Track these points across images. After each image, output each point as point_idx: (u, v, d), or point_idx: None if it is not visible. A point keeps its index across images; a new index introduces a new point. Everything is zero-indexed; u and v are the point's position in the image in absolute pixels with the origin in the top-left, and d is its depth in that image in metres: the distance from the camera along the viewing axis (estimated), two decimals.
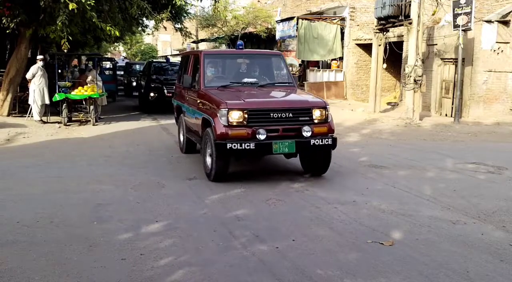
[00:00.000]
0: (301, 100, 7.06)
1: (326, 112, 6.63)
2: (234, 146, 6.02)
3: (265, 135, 6.11)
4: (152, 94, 15.70)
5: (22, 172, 7.07)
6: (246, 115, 6.16)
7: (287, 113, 6.33)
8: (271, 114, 6.28)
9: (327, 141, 6.44)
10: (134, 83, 22.20)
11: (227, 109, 6.15)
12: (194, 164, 7.81)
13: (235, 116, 6.15)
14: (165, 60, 20.30)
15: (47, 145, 9.62)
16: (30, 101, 12.48)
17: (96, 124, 12.66)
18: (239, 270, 3.78)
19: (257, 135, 6.10)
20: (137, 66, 26.49)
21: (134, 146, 9.66)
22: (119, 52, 57.45)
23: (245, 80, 7.51)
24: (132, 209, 5.35)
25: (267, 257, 4.05)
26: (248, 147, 6.03)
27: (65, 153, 8.77)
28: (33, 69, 12.40)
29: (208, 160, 6.60)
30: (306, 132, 6.33)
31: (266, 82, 7.75)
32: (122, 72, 26.91)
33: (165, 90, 15.27)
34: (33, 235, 4.45)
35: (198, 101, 7.20)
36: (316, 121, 6.50)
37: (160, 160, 8.16)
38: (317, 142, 6.35)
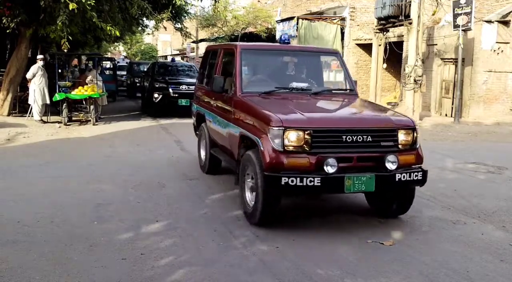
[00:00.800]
0: (383, 118, 5.15)
1: (415, 135, 4.92)
2: (292, 181, 4.29)
3: (335, 167, 4.37)
4: (156, 95, 14.57)
5: (22, 172, 7.08)
6: (309, 138, 4.44)
7: (365, 136, 4.58)
8: (344, 136, 4.53)
9: (416, 176, 4.73)
10: (139, 84, 21.16)
11: (282, 128, 4.42)
12: (194, 164, 7.81)
13: (294, 138, 4.43)
14: (170, 60, 19.66)
15: (48, 145, 9.62)
16: (31, 101, 12.48)
17: (96, 124, 12.66)
18: (239, 270, 3.78)
19: (324, 167, 4.37)
20: (141, 66, 25.29)
21: (134, 146, 9.67)
22: (119, 52, 57.44)
23: (294, 85, 5.79)
24: (132, 208, 5.35)
25: (268, 257, 4.05)
26: (312, 183, 4.31)
27: (65, 153, 8.77)
28: (33, 69, 12.39)
29: (249, 195, 4.94)
30: (391, 163, 4.57)
31: (319, 88, 6.14)
32: (124, 72, 26.36)
33: (171, 91, 14.45)
34: (34, 235, 4.45)
35: (233, 111, 5.52)
36: (401, 147, 4.77)
37: (160, 160, 8.15)
38: (404, 176, 4.63)
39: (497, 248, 4.37)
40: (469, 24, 13.49)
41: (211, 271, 3.75)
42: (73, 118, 13.00)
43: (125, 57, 50.16)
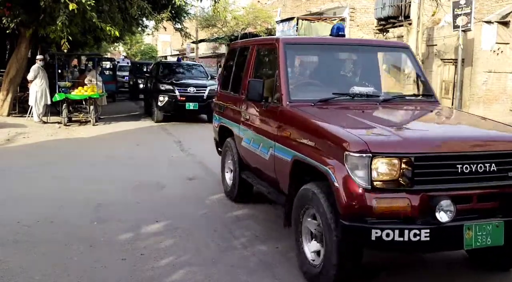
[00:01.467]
0: (509, 136, 3.60)
1: None
2: (388, 235, 2.97)
3: (451, 212, 3.02)
4: (161, 98, 13.05)
5: (22, 172, 7.07)
6: (409, 168, 3.06)
7: (487, 164, 3.18)
8: (460, 165, 3.14)
9: None
10: (142, 85, 20.07)
11: (368, 154, 3.03)
12: (193, 164, 7.81)
13: (386, 168, 3.05)
14: (176, 60, 18.10)
15: (47, 145, 9.62)
16: (31, 102, 12.46)
17: (96, 125, 12.66)
18: (240, 270, 3.78)
19: (436, 213, 3.01)
20: (145, 67, 24.08)
21: (134, 146, 9.67)
22: (119, 52, 57.46)
23: (357, 89, 4.44)
24: (132, 209, 5.35)
25: (268, 257, 4.05)
26: (417, 238, 2.96)
27: (65, 153, 8.77)
28: (34, 69, 12.38)
29: (310, 246, 3.61)
30: None
31: (388, 94, 4.94)
32: (125, 73, 25.65)
33: (177, 93, 13.06)
34: (34, 235, 4.45)
35: (279, 126, 4.14)
36: None
37: (160, 160, 8.15)
38: None
39: None
40: (469, 25, 13.49)
41: (211, 271, 3.75)
42: (73, 118, 13.00)
43: (125, 57, 49.94)
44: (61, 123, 12.35)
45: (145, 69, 22.42)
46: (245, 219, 5.03)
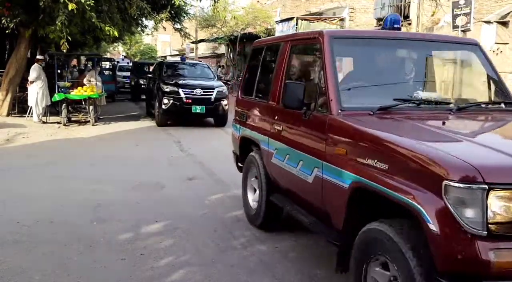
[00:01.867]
0: None
1: None
2: None
3: None
4: (165, 100, 12.12)
5: (22, 172, 7.07)
6: None
7: None
8: None
9: None
10: (144, 85, 19.26)
11: (483, 185, 2.13)
12: (193, 164, 7.81)
13: (509, 206, 2.15)
14: (180, 59, 16.38)
15: (47, 145, 9.62)
16: (31, 103, 12.45)
17: (96, 125, 12.66)
18: (239, 270, 3.78)
19: None
20: (147, 67, 23.15)
21: (134, 146, 9.67)
22: (118, 52, 57.47)
23: (422, 95, 3.74)
24: (132, 209, 5.35)
25: (267, 257, 4.05)
26: None
27: (65, 153, 8.77)
28: (36, 70, 12.39)
29: None
30: None
31: (463, 102, 4.22)
32: (125, 73, 25.02)
33: (183, 95, 12.18)
34: (33, 235, 4.45)
35: (329, 140, 3.26)
36: None
37: (159, 160, 8.15)
38: None
39: None
40: (468, 25, 13.51)
41: (211, 271, 3.75)
42: (73, 118, 13.00)
43: (125, 57, 49.74)
44: (61, 123, 12.35)
45: (146, 69, 21.99)
46: (244, 219, 5.03)
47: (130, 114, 15.90)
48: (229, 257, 4.05)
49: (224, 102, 12.59)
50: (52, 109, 13.10)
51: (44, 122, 12.44)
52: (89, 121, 12.76)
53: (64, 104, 12.28)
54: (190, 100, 12.18)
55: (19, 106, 13.86)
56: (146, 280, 3.57)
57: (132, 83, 22.39)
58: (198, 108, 12.21)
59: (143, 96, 19.30)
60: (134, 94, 21.76)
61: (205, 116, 12.99)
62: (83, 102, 12.89)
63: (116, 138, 10.82)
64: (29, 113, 12.76)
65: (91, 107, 12.64)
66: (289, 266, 3.87)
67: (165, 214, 5.17)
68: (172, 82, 12.72)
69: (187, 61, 16.66)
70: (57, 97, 12.22)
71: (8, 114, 13.23)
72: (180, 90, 12.24)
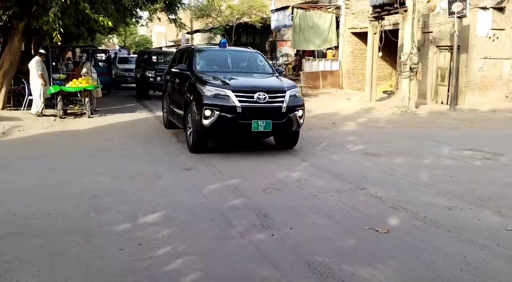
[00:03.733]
0: None
1: None
2: None
3: None
4: (208, 112, 7.41)
5: (18, 165, 7.05)
6: None
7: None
8: None
9: None
10: (152, 79, 17.53)
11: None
12: (190, 155, 7.80)
13: None
14: (220, 44, 9.89)
15: (43, 138, 9.58)
16: (35, 96, 12.37)
17: (92, 117, 12.61)
18: (237, 259, 3.79)
19: None
20: (157, 57, 20.66)
21: (130, 137, 9.64)
22: (113, 44, 57.10)
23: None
24: (129, 200, 5.34)
25: (265, 245, 4.06)
26: None
27: (61, 146, 8.74)
28: (39, 63, 12.35)
29: None
30: None
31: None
32: (127, 66, 23.40)
33: (237, 104, 7.36)
34: (31, 227, 4.44)
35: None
36: None
37: (156, 151, 8.14)
38: None
39: (493, 233, 4.39)
40: (464, 11, 13.45)
41: (209, 260, 3.75)
42: (68, 111, 12.94)
43: (122, 47, 48.63)
44: (57, 116, 12.30)
45: (156, 60, 19.93)
46: (242, 208, 5.04)
47: (126, 106, 15.83)
48: (227, 245, 4.05)
49: (299, 113, 7.70)
50: (48, 102, 13.04)
51: (41, 115, 12.38)
52: (85, 113, 12.71)
53: (59, 97, 12.23)
54: (247, 113, 7.35)
55: (15, 100, 13.79)
56: (144, 269, 3.57)
57: (138, 76, 19.09)
58: (261, 125, 7.37)
59: (152, 92, 18.29)
60: (140, 90, 18.73)
61: (270, 135, 8.27)
62: (78, 95, 12.84)
63: (113, 130, 10.79)
64: (24, 106, 12.69)
65: (86, 99, 12.58)
66: (287, 254, 3.88)
67: (162, 204, 5.17)
68: (216, 82, 7.72)
69: (230, 47, 10.71)
70: (52, 89, 12.16)
71: (3, 108, 13.16)
72: (232, 95, 7.36)
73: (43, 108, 12.47)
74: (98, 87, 13.76)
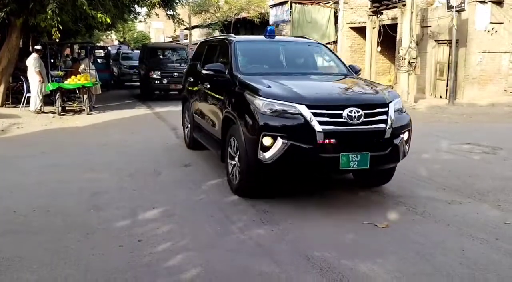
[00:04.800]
0: None
1: None
2: None
3: None
4: (268, 141, 4.73)
5: (17, 162, 7.05)
6: None
7: None
8: None
9: None
10: (157, 81, 15.65)
11: None
12: (189, 151, 7.80)
13: None
14: (266, 32, 6.99)
15: (42, 135, 9.58)
16: (33, 93, 12.36)
17: (91, 113, 12.60)
18: (237, 254, 3.80)
19: None
20: (162, 52, 18.43)
21: (129, 134, 9.63)
22: (111, 41, 56.96)
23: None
24: (128, 196, 5.35)
25: (265, 241, 4.07)
26: None
27: (60, 142, 8.74)
28: (37, 60, 12.34)
29: None
30: None
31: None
32: (130, 62, 21.88)
33: (318, 128, 4.63)
34: (30, 224, 4.45)
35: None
36: None
37: (155, 147, 8.14)
38: None
39: (492, 226, 4.41)
40: (462, 5, 13.43)
41: (208, 256, 3.76)
42: (67, 108, 12.93)
43: (122, 43, 47.61)
44: (55, 113, 12.29)
45: (162, 56, 18.08)
46: (241, 204, 5.04)
47: (125, 102, 15.81)
48: (226, 241, 4.06)
49: (405, 136, 5.14)
50: (47, 99, 13.02)
51: (40, 112, 12.37)
52: (83, 110, 12.70)
53: (58, 94, 12.21)
54: (335, 141, 4.72)
55: (13, 97, 13.78)
56: (144, 266, 3.58)
57: (142, 72, 17.15)
58: (354, 160, 4.73)
59: (157, 92, 16.47)
60: (145, 90, 16.61)
61: (364, 174, 5.68)
62: (77, 91, 12.82)
63: (112, 126, 10.78)
64: (23, 104, 12.68)
65: (85, 96, 12.57)
66: (286, 248, 3.89)
67: (162, 200, 5.18)
68: (278, 92, 5.03)
69: (281, 37, 8.55)
70: (50, 86, 12.15)
71: (1, 105, 13.14)
72: (307, 113, 4.71)
73: (41, 106, 12.47)
74: (97, 84, 13.75)
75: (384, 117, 4.84)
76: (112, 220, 4.57)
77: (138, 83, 18.72)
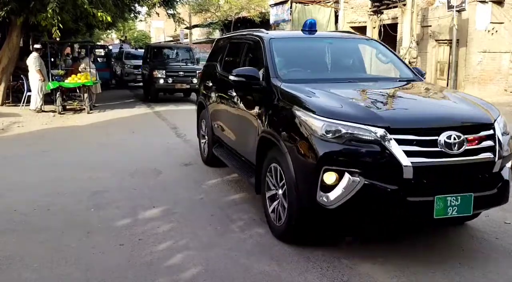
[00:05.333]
0: None
1: None
2: None
3: None
4: (332, 178, 3.41)
5: (18, 161, 7.06)
6: None
7: None
8: None
9: None
10: (162, 80, 14.64)
11: None
12: (189, 150, 7.80)
13: None
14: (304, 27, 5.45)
15: (42, 134, 9.58)
16: (34, 91, 12.36)
17: (91, 112, 12.61)
18: (237, 253, 3.80)
19: None
20: (172, 52, 17.58)
21: (130, 133, 9.64)
22: (112, 40, 56.96)
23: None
24: (129, 195, 5.35)
25: (265, 240, 4.07)
26: None
27: (61, 141, 8.74)
28: (37, 59, 12.34)
29: None
30: None
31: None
32: (132, 62, 20.81)
33: (408, 165, 3.27)
34: (31, 223, 4.45)
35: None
36: None
37: (155, 146, 8.14)
38: None
39: (492, 226, 4.38)
40: (463, 5, 13.43)
41: (209, 255, 3.76)
42: (67, 107, 12.94)
43: (123, 41, 47.03)
44: (56, 111, 12.30)
45: (167, 55, 17.23)
46: (242, 203, 5.05)
47: (125, 101, 15.81)
48: (227, 240, 4.07)
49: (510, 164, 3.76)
50: (47, 97, 13.03)
51: (40, 111, 12.38)
52: (84, 109, 12.71)
53: (58, 93, 12.22)
54: (428, 178, 3.42)
55: (13, 96, 13.79)
56: (144, 264, 3.59)
57: (145, 73, 16.29)
58: (453, 204, 3.40)
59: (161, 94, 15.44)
60: (149, 90, 15.63)
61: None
62: (77, 90, 12.83)
63: (112, 125, 10.78)
64: (23, 102, 12.69)
65: (85, 95, 12.58)
66: (286, 248, 3.89)
67: (162, 199, 5.18)
68: (343, 109, 3.64)
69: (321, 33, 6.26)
70: (51, 85, 12.16)
71: (2, 104, 13.16)
72: (389, 139, 3.35)
73: (42, 104, 12.48)
74: (97, 83, 13.75)
75: (491, 143, 3.52)
76: (113, 219, 4.57)
77: (141, 84, 17.96)
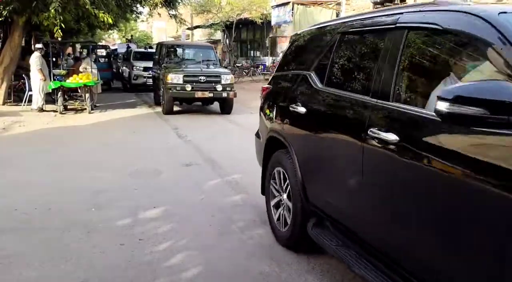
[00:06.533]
0: None
1: None
2: None
3: None
4: None
5: (19, 160, 7.06)
6: None
7: None
8: None
9: None
10: (179, 82, 11.79)
11: None
12: (190, 150, 7.81)
13: None
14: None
15: (44, 133, 9.59)
16: (35, 91, 12.39)
17: (92, 112, 12.62)
18: (238, 254, 3.80)
19: None
20: (190, 52, 14.88)
21: (131, 133, 9.65)
22: (113, 40, 57.04)
23: None
24: (130, 195, 5.35)
25: (266, 240, 4.07)
26: None
27: (62, 141, 8.75)
28: (39, 58, 12.37)
29: None
30: None
31: None
32: (139, 63, 18.80)
33: None
34: (31, 222, 4.46)
35: None
36: None
37: (156, 147, 8.15)
38: None
39: None
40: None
41: (209, 255, 3.77)
42: (69, 106, 12.96)
43: (129, 41, 45.08)
44: (57, 111, 12.31)
45: (184, 56, 14.64)
46: (243, 204, 5.05)
47: (126, 101, 15.83)
48: (227, 241, 4.07)
49: None
50: (48, 97, 13.06)
51: (41, 110, 12.39)
52: (85, 109, 12.73)
53: (60, 92, 12.25)
54: None
55: (15, 95, 13.81)
56: (145, 264, 3.59)
57: (157, 76, 13.97)
58: None
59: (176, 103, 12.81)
60: (161, 98, 12.99)
61: None
62: (79, 90, 12.85)
63: (113, 125, 10.80)
64: (25, 102, 12.71)
65: (87, 95, 12.60)
66: (287, 249, 3.89)
67: (163, 200, 5.18)
68: None
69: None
70: (52, 85, 12.19)
71: (4, 103, 13.19)
72: None
73: (43, 104, 12.50)
74: (98, 83, 13.77)
75: None
76: (113, 218, 4.57)
77: (151, 88, 15.90)
